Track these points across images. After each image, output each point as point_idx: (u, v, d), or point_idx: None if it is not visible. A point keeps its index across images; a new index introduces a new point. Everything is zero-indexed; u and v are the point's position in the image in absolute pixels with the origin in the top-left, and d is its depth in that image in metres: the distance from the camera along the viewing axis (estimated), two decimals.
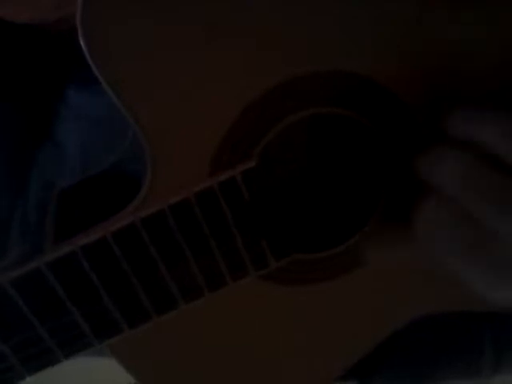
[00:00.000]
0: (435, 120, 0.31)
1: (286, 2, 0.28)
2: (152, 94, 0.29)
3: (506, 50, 0.31)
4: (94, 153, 0.46)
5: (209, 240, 0.33)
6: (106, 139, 0.40)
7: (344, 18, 0.29)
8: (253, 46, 0.29)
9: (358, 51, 0.30)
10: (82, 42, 0.26)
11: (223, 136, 0.31)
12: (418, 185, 0.30)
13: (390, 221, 0.35)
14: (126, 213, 0.31)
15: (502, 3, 0.30)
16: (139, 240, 0.31)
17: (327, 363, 0.42)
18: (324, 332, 0.40)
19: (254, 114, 0.31)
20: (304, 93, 0.31)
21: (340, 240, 0.36)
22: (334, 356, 0.41)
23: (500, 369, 0.51)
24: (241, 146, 0.31)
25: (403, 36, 0.30)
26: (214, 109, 0.30)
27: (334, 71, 0.30)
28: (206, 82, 0.29)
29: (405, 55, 0.30)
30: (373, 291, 0.39)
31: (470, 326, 0.50)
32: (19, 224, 0.47)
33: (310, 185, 0.40)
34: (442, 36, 0.30)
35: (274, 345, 0.39)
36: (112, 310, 0.33)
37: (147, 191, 0.31)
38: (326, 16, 0.29)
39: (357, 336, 0.41)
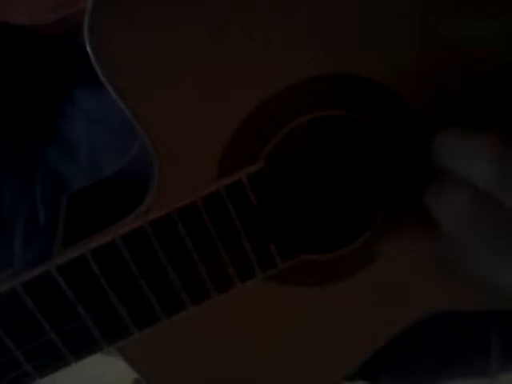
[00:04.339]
0: (438, 118, 0.31)
1: (286, 3, 0.28)
2: (157, 97, 0.29)
3: (506, 50, 0.31)
4: (104, 154, 0.46)
5: (216, 243, 0.33)
6: (117, 143, 0.40)
7: (345, 20, 0.29)
8: (256, 47, 0.29)
9: (359, 53, 0.30)
10: (87, 45, 0.26)
11: (230, 139, 0.31)
12: (430, 181, 0.30)
13: (399, 219, 0.35)
14: (134, 216, 0.31)
15: (502, 3, 0.30)
16: (148, 243, 0.31)
17: (332, 363, 0.42)
18: (330, 332, 0.40)
19: (259, 116, 0.30)
20: (309, 95, 0.31)
21: (347, 241, 0.36)
22: (339, 356, 0.41)
23: (507, 367, 0.51)
24: (247, 149, 0.31)
25: (404, 37, 0.30)
26: (220, 111, 0.30)
27: (336, 73, 0.30)
28: (212, 84, 0.29)
29: (405, 55, 0.30)
30: (380, 291, 0.38)
31: (477, 324, 0.50)
32: (25, 218, 0.47)
33: (316, 186, 0.40)
34: (442, 36, 0.30)
35: (279, 344, 0.39)
36: (121, 313, 0.33)
37: (155, 195, 0.31)
38: (326, 17, 0.29)
39: (364, 336, 0.41)
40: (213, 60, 0.28)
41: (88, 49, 0.26)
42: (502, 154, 0.26)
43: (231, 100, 0.30)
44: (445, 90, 0.31)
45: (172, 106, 0.29)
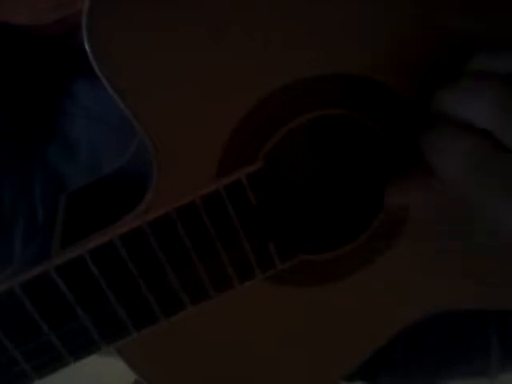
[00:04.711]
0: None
1: (286, 3, 0.28)
2: (157, 97, 0.29)
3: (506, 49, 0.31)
4: (105, 152, 0.46)
5: (215, 242, 0.33)
6: (116, 141, 0.40)
7: (345, 20, 0.29)
8: (256, 47, 0.29)
9: (359, 51, 0.30)
10: (86, 45, 0.26)
11: (229, 138, 0.31)
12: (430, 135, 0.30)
13: (397, 219, 0.35)
14: (133, 216, 0.31)
15: (502, 3, 0.30)
16: (146, 243, 0.31)
17: (331, 363, 0.42)
18: (329, 332, 0.40)
19: (258, 116, 0.31)
20: (308, 95, 0.31)
21: (345, 241, 0.36)
22: (338, 356, 0.42)
23: (507, 367, 0.51)
24: (246, 149, 0.31)
25: (404, 36, 0.30)
26: (220, 111, 0.30)
27: (335, 72, 0.30)
28: (212, 84, 0.29)
29: (405, 55, 0.30)
30: (380, 291, 0.39)
31: (477, 324, 0.50)
32: (24, 218, 0.47)
33: (315, 186, 0.40)
34: (443, 36, 0.30)
35: (278, 344, 0.39)
36: (120, 313, 0.33)
37: (153, 194, 0.31)
38: (326, 17, 0.29)
39: (363, 336, 0.41)
40: (213, 60, 0.28)
41: (87, 48, 0.26)
42: (502, 93, 0.26)
43: (231, 100, 0.30)
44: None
45: (172, 106, 0.29)
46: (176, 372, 0.39)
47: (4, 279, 0.31)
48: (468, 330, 0.50)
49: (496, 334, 0.49)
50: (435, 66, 0.31)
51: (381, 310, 0.40)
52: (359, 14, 0.29)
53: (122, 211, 0.31)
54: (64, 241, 0.32)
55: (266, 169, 0.32)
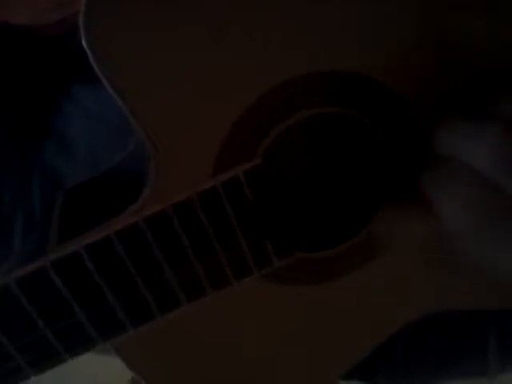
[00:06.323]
0: (437, 117, 0.31)
1: (286, 3, 0.28)
2: (157, 97, 0.29)
3: (506, 50, 0.31)
4: (104, 153, 0.46)
5: (212, 240, 0.33)
6: (116, 141, 0.40)
7: (345, 19, 0.29)
8: (256, 47, 0.29)
9: (359, 51, 0.30)
10: (85, 45, 0.26)
11: (227, 136, 0.31)
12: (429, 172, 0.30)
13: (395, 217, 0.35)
14: (130, 212, 0.31)
15: (502, 3, 0.30)
16: (143, 240, 0.31)
17: (331, 362, 0.42)
18: (328, 331, 0.40)
19: (257, 113, 0.31)
20: (307, 93, 0.31)
21: (343, 238, 0.36)
22: (338, 355, 0.42)
23: (507, 367, 0.51)
24: (244, 146, 0.31)
25: (404, 36, 0.30)
26: (219, 110, 0.30)
27: (335, 71, 0.30)
28: (211, 84, 0.29)
29: (405, 54, 0.30)
30: (379, 290, 0.39)
31: (475, 324, 0.50)
32: (23, 218, 0.47)
33: (313, 183, 0.40)
34: (442, 35, 0.30)
35: (278, 343, 0.39)
36: (116, 310, 0.33)
37: (150, 191, 0.31)
38: (326, 17, 0.29)
39: (363, 335, 0.41)
40: (213, 60, 0.29)
41: (86, 48, 0.27)
42: (504, 139, 0.26)
43: (231, 99, 0.30)
44: (444, 89, 0.31)
45: (172, 106, 0.29)
46: (175, 371, 0.39)
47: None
48: (467, 330, 0.50)
49: (495, 334, 0.49)
50: (435, 65, 0.31)
51: (381, 309, 0.40)
52: (359, 13, 0.29)
53: (118, 208, 0.32)
54: (60, 237, 0.32)
55: (264, 165, 0.32)
